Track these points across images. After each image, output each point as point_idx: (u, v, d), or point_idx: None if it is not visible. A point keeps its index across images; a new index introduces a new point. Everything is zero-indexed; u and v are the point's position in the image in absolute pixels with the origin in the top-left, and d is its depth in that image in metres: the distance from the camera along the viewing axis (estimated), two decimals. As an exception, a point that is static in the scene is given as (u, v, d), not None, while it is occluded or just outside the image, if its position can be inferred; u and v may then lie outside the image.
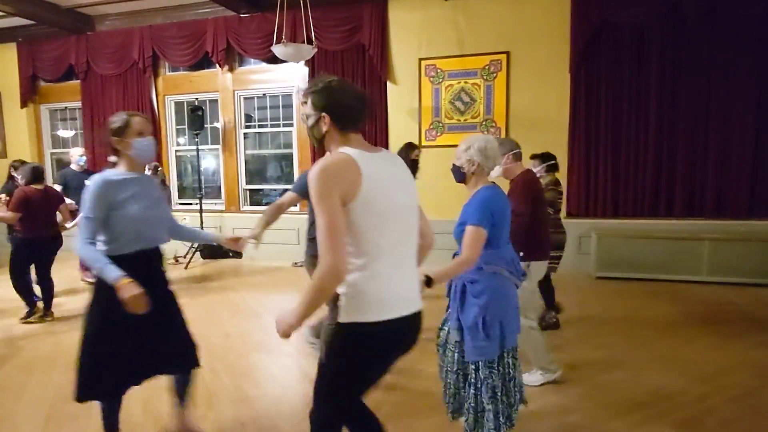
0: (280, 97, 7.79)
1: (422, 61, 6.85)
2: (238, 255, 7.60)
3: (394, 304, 1.67)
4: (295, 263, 7.18)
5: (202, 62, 7.82)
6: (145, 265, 2.27)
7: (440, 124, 6.90)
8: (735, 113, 5.91)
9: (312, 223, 3.21)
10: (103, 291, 2.20)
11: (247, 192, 8.13)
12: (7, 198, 4.88)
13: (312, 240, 3.27)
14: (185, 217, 7.72)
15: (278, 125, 7.88)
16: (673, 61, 6.02)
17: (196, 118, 7.41)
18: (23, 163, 5.46)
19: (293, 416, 2.95)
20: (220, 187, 8.20)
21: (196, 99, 7.84)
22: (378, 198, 1.61)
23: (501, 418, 2.35)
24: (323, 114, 1.67)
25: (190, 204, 8.21)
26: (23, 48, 8.49)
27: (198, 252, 7.49)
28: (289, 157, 7.94)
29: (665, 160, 6.17)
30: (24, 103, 8.65)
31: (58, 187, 5.88)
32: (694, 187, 6.13)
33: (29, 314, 4.85)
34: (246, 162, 8.06)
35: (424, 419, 2.89)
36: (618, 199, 6.39)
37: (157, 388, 2.80)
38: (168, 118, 8.20)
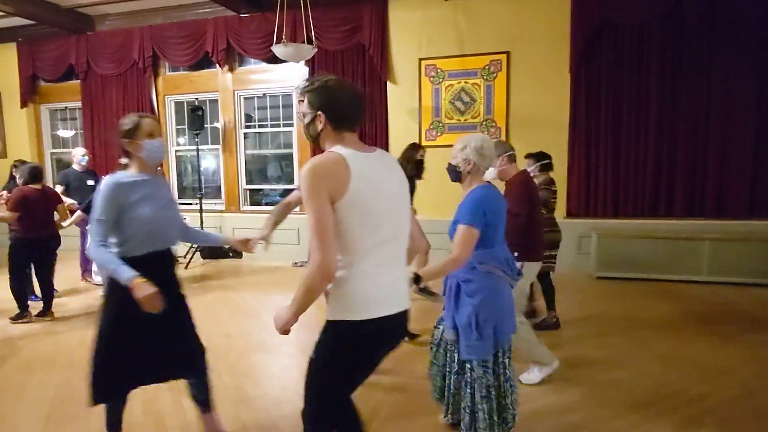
0: (280, 97, 7.79)
1: (422, 61, 6.85)
2: (238, 255, 7.60)
3: (381, 304, 1.69)
4: (295, 263, 7.18)
5: (202, 62, 7.82)
6: (157, 266, 2.27)
7: (440, 124, 6.90)
8: (735, 113, 5.91)
9: None
10: (115, 294, 2.22)
11: (247, 192, 8.13)
12: (9, 195, 4.89)
13: None
14: (185, 217, 7.70)
15: (278, 125, 7.88)
16: (674, 61, 6.02)
17: (196, 118, 7.41)
18: (24, 163, 5.46)
19: (293, 416, 2.93)
20: (220, 187, 8.20)
21: (196, 99, 7.84)
22: (366, 197, 1.62)
23: (494, 417, 2.35)
24: (319, 112, 1.68)
25: (190, 204, 8.21)
26: (23, 48, 8.49)
27: (198, 252, 7.48)
28: (289, 157, 7.95)
29: (665, 160, 6.17)
30: (24, 103, 8.65)
31: (59, 188, 5.89)
32: (695, 187, 6.13)
33: (19, 317, 4.83)
34: (246, 162, 8.06)
35: (423, 419, 2.88)
36: (618, 199, 6.39)
37: (158, 388, 2.80)
38: (168, 118, 8.20)
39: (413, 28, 6.83)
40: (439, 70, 6.82)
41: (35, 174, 4.79)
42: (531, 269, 3.38)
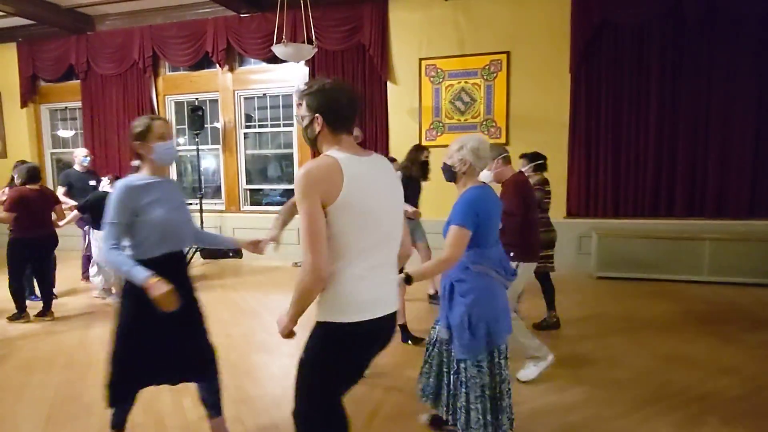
0: (281, 97, 7.79)
1: (422, 61, 6.85)
2: (238, 255, 7.59)
3: (370, 306, 1.72)
4: (295, 263, 7.18)
5: (203, 62, 7.82)
6: (172, 267, 2.26)
7: (440, 124, 6.90)
8: (735, 113, 5.91)
9: None
10: (130, 297, 2.24)
11: (248, 192, 8.13)
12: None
13: None
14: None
15: (278, 125, 7.88)
16: (674, 61, 6.02)
17: (196, 118, 7.41)
18: (24, 163, 5.46)
19: (294, 416, 2.95)
20: (220, 187, 8.20)
21: (197, 99, 7.84)
22: (359, 201, 1.64)
23: (488, 418, 2.35)
24: (316, 115, 1.71)
25: (191, 204, 8.14)
26: (23, 48, 8.49)
27: (198, 252, 7.48)
28: (289, 157, 7.94)
29: (666, 159, 6.17)
30: (24, 103, 8.65)
31: (62, 189, 5.90)
32: (695, 186, 6.13)
33: (16, 317, 4.83)
34: (246, 162, 8.06)
35: (424, 419, 2.88)
36: (618, 199, 6.38)
37: (158, 388, 2.79)
38: (168, 119, 8.19)
39: (413, 28, 6.83)
40: (439, 70, 6.82)
41: (33, 174, 4.79)
42: (527, 270, 3.41)
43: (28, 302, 4.98)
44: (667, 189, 6.21)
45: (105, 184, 5.34)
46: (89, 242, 5.61)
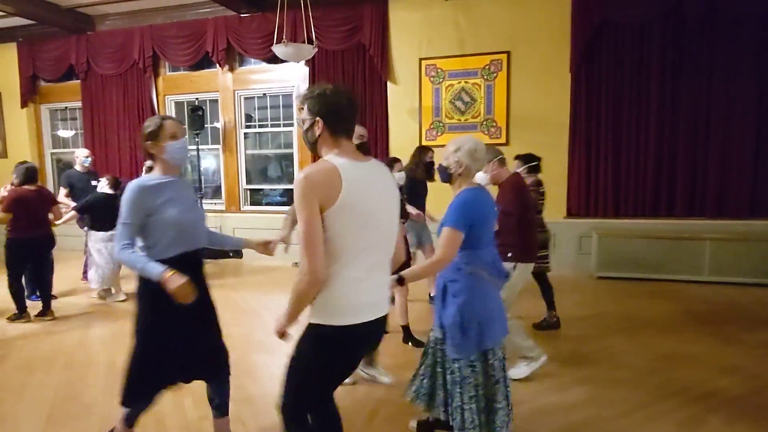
0: (281, 97, 7.79)
1: (423, 61, 6.85)
2: (238, 255, 7.59)
3: (362, 310, 1.76)
4: (295, 263, 7.17)
5: (203, 62, 7.81)
6: (188, 267, 2.24)
7: (441, 124, 6.89)
8: (735, 113, 5.91)
9: None
10: (146, 296, 2.25)
11: (248, 192, 8.12)
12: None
13: None
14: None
15: (278, 125, 7.88)
16: (674, 61, 6.01)
17: (196, 118, 7.40)
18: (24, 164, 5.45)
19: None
20: (220, 187, 8.20)
21: (197, 99, 7.84)
22: (359, 202, 1.68)
23: (482, 418, 2.35)
24: (317, 118, 1.75)
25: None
26: (23, 48, 8.49)
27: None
28: (289, 157, 7.94)
29: (666, 159, 6.16)
30: (24, 103, 8.65)
31: (64, 190, 5.89)
32: (695, 186, 6.13)
33: (16, 317, 4.82)
34: (246, 162, 8.06)
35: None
36: (619, 199, 6.38)
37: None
38: (169, 118, 8.19)
39: (413, 28, 6.83)
40: (439, 70, 6.82)
41: (30, 174, 4.79)
42: (525, 270, 3.43)
43: (28, 302, 4.98)
44: (668, 189, 6.20)
45: (102, 186, 5.32)
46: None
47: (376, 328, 1.85)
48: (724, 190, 6.04)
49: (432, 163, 4.80)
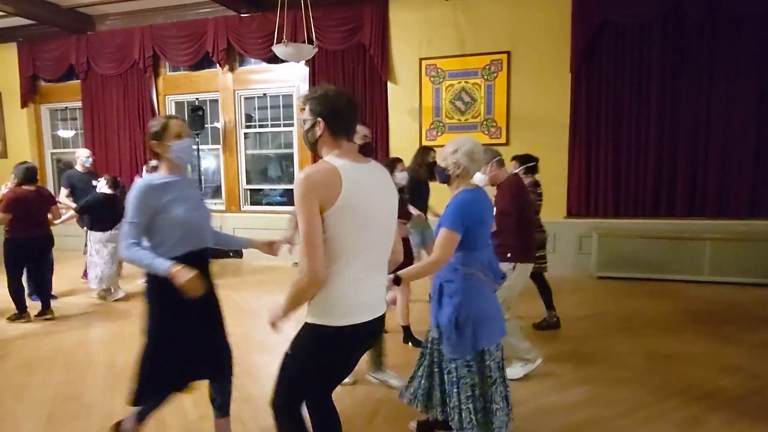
0: (281, 97, 7.79)
1: (423, 61, 6.85)
2: (238, 255, 7.59)
3: (360, 310, 1.77)
4: (295, 263, 7.17)
5: (203, 62, 7.81)
6: (194, 266, 2.24)
7: (441, 124, 6.89)
8: (736, 113, 5.90)
9: None
10: (154, 296, 2.26)
11: (248, 192, 8.12)
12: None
13: None
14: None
15: (279, 125, 7.88)
16: (674, 61, 6.01)
17: (196, 118, 7.40)
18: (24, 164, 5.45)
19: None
20: (220, 187, 8.20)
21: (197, 99, 7.84)
22: (356, 207, 1.69)
23: (479, 418, 2.35)
24: (319, 119, 1.77)
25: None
26: (23, 48, 8.49)
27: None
28: (289, 157, 7.94)
29: (666, 159, 6.16)
30: (24, 103, 8.65)
31: (65, 191, 5.88)
32: (695, 186, 6.12)
33: (16, 317, 4.82)
34: (246, 162, 8.06)
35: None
36: (619, 199, 6.38)
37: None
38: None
39: (414, 28, 6.83)
40: (439, 70, 6.82)
41: (29, 174, 4.79)
42: (524, 270, 3.44)
43: (28, 302, 4.97)
44: (668, 189, 6.20)
45: (102, 186, 5.32)
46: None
47: (375, 328, 1.86)
48: (724, 190, 6.04)
49: (434, 164, 4.79)
